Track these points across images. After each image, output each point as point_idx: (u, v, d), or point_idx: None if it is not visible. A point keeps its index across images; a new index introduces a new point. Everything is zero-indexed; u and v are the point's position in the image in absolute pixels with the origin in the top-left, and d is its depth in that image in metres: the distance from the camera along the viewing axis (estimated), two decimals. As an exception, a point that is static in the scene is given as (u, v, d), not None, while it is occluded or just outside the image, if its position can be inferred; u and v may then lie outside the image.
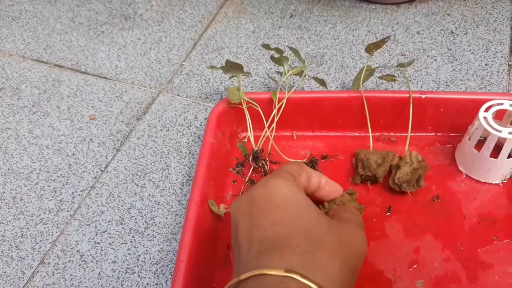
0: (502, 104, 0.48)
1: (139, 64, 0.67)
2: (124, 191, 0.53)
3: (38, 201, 0.53)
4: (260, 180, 0.38)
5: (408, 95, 0.51)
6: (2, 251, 0.49)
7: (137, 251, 0.48)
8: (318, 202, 0.43)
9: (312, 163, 0.52)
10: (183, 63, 0.67)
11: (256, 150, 0.52)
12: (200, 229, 0.44)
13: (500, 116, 0.50)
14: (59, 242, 0.49)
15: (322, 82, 0.55)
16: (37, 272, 0.47)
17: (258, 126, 0.54)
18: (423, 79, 0.61)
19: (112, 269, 0.47)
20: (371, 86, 0.60)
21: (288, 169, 0.39)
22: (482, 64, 0.62)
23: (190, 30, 0.71)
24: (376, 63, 0.63)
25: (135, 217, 0.50)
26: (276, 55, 0.54)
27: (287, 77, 0.54)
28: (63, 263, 0.48)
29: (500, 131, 0.45)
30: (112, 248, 0.48)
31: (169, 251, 0.48)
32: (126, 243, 0.49)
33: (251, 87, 0.62)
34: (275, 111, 0.52)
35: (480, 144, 0.48)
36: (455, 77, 0.61)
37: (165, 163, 0.55)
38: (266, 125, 0.53)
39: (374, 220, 0.48)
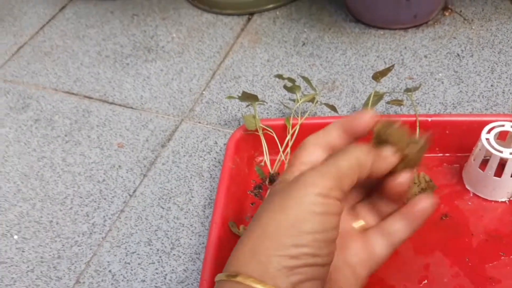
0: (503, 125, 0.50)
1: (162, 94, 0.72)
2: (151, 214, 0.57)
3: (73, 225, 0.58)
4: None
5: (414, 118, 0.54)
6: (41, 272, 0.53)
7: (164, 271, 0.52)
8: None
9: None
10: (203, 92, 0.71)
11: (272, 173, 0.56)
12: (221, 249, 0.48)
13: (505, 136, 0.53)
14: (92, 262, 0.54)
15: (333, 108, 0.59)
16: (73, 291, 0.52)
17: (274, 150, 0.58)
18: (431, 101, 0.64)
19: (142, 288, 0.51)
20: (380, 109, 0.63)
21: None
22: (488, 85, 0.64)
23: (209, 61, 0.76)
24: (386, 87, 0.66)
25: (161, 238, 0.54)
26: (289, 84, 0.58)
27: (299, 104, 0.57)
28: (97, 282, 0.52)
29: (501, 152, 0.48)
30: (141, 268, 0.52)
31: (194, 270, 0.51)
32: (154, 263, 0.53)
33: (267, 113, 0.66)
34: (289, 136, 0.56)
35: (485, 163, 0.51)
36: (462, 98, 0.63)
37: (188, 187, 0.59)
38: (281, 150, 0.56)
39: (385, 238, 0.51)
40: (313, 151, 0.35)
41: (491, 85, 0.64)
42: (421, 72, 0.68)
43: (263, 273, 0.29)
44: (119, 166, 0.63)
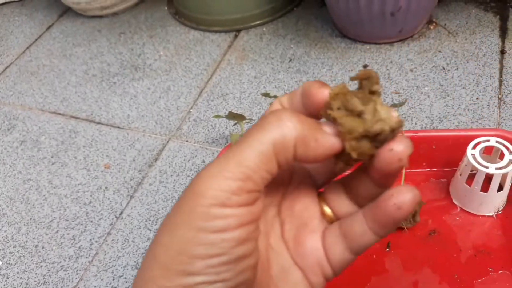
0: (488, 141, 0.50)
1: (149, 112, 0.72)
2: (138, 236, 0.57)
3: (59, 249, 0.57)
4: None
5: (401, 134, 0.54)
6: (26, 298, 0.53)
7: (152, 294, 0.51)
8: None
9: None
10: (191, 110, 0.71)
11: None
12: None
13: (491, 150, 0.53)
14: (79, 287, 0.53)
15: None
16: (60, 317, 0.51)
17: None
18: (417, 115, 0.64)
19: (129, 312, 0.50)
20: (367, 125, 0.63)
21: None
22: (473, 98, 0.65)
23: (197, 78, 0.76)
24: (372, 102, 0.66)
25: (149, 261, 0.54)
26: None
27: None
28: (83, 308, 0.51)
29: (487, 167, 0.48)
30: (128, 292, 0.52)
31: (181, 293, 0.51)
32: (141, 286, 0.52)
33: (254, 130, 0.66)
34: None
35: (472, 177, 0.51)
36: (448, 112, 0.64)
37: (176, 207, 0.59)
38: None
39: (374, 256, 0.51)
40: (274, 107, 0.26)
41: (476, 98, 0.65)
42: (407, 86, 0.68)
43: None
44: (106, 188, 0.63)
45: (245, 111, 0.69)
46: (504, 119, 0.62)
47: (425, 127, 0.62)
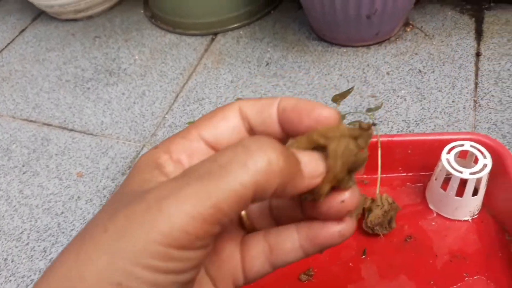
0: (463, 145, 0.50)
1: (123, 118, 0.70)
2: (111, 246, 0.55)
3: (29, 262, 0.55)
4: None
5: (376, 139, 0.54)
6: (-6, 314, 0.51)
7: (124, 307, 0.50)
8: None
9: (290, 210, 0.54)
10: (166, 116, 0.70)
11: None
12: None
13: (466, 154, 0.53)
14: (49, 301, 0.51)
15: None
16: (29, 333, 0.49)
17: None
18: (394, 119, 0.63)
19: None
20: (344, 129, 0.63)
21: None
22: (449, 101, 0.65)
23: (172, 83, 0.75)
24: (349, 106, 0.66)
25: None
26: None
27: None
28: (54, 323, 0.49)
29: (461, 172, 0.48)
30: (100, 305, 0.50)
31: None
32: (114, 299, 0.50)
33: (231, 136, 0.65)
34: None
35: (447, 182, 0.50)
36: (424, 115, 0.63)
37: (150, 216, 0.57)
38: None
39: (350, 264, 0.50)
40: (229, 118, 0.23)
41: (452, 101, 0.65)
42: (384, 90, 0.68)
43: None
44: (78, 197, 0.61)
45: (221, 117, 0.68)
46: (480, 122, 0.62)
47: (401, 130, 0.62)
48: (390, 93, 0.67)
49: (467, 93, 0.65)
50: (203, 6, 0.80)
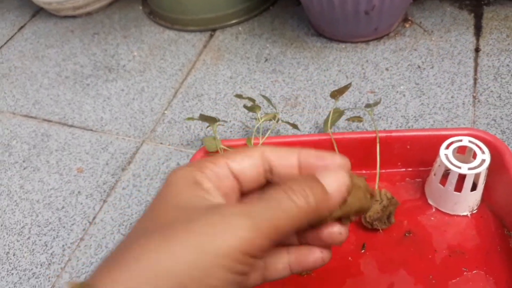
0: (461, 140, 0.50)
1: (123, 115, 0.70)
2: (111, 241, 0.55)
3: (30, 256, 0.55)
4: None
5: (374, 135, 0.54)
6: (-5, 309, 0.51)
7: (125, 302, 0.50)
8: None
9: (289, 205, 0.54)
10: (165, 112, 0.70)
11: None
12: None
13: (464, 149, 0.53)
14: (50, 296, 0.52)
15: (294, 126, 0.58)
16: (30, 327, 0.49)
17: (236, 171, 0.57)
18: (393, 115, 0.64)
19: (101, 321, 0.49)
20: (343, 125, 0.63)
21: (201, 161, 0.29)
22: (448, 97, 0.65)
23: (171, 79, 0.75)
24: (348, 102, 0.66)
25: (122, 267, 0.53)
26: (249, 104, 0.58)
27: (260, 124, 0.57)
28: (54, 318, 0.50)
29: (460, 167, 0.48)
30: (100, 300, 0.50)
31: (155, 299, 0.50)
32: (114, 294, 0.51)
33: (230, 131, 0.65)
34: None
35: (446, 177, 0.51)
36: (423, 111, 0.64)
37: (150, 212, 0.58)
38: (243, 171, 0.55)
39: (350, 258, 0.50)
40: (253, 156, 0.28)
41: (452, 97, 0.65)
42: (383, 85, 0.68)
43: None
44: (79, 192, 0.61)
45: (220, 112, 0.68)
46: (479, 118, 0.62)
47: (400, 126, 0.62)
48: (389, 89, 0.67)
49: (466, 88, 0.66)
50: (202, 2, 0.80)
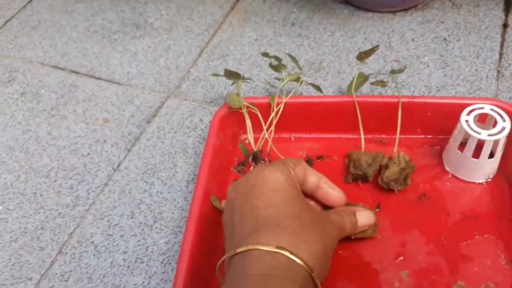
0: (483, 108, 0.51)
1: (149, 70, 0.72)
2: (134, 188, 0.58)
3: (57, 197, 0.58)
4: (257, 166, 0.42)
5: (397, 99, 0.55)
6: (24, 242, 0.54)
7: (146, 243, 0.52)
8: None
9: (308, 163, 0.56)
10: (190, 70, 0.71)
11: (256, 151, 0.57)
12: (203, 222, 0.48)
13: (485, 119, 0.54)
14: (75, 234, 0.54)
15: (318, 88, 0.59)
16: (56, 260, 0.52)
17: (258, 128, 0.58)
18: (415, 84, 0.64)
19: (123, 259, 0.51)
20: (366, 91, 0.64)
21: (285, 161, 0.43)
22: (472, 70, 0.65)
23: (197, 38, 0.76)
24: (371, 69, 0.67)
25: (144, 212, 0.55)
26: (275, 63, 0.59)
27: (285, 83, 0.58)
28: (79, 253, 0.52)
29: (479, 133, 0.49)
30: (123, 240, 0.53)
31: (175, 242, 0.52)
32: (136, 235, 0.53)
33: (253, 92, 0.66)
34: (273, 114, 0.57)
35: (464, 145, 0.52)
36: (446, 82, 0.64)
37: (172, 162, 0.60)
38: (265, 128, 0.57)
39: (364, 216, 0.52)
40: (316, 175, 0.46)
41: (476, 70, 0.65)
42: (408, 55, 0.68)
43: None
44: (104, 141, 0.63)
45: (244, 73, 0.69)
46: (501, 91, 0.62)
47: (422, 95, 0.63)
48: (413, 59, 0.68)
49: (491, 63, 0.66)
50: (231, -35, 0.80)
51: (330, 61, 0.69)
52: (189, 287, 0.43)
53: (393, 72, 0.59)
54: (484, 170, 0.52)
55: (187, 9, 0.82)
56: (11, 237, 0.55)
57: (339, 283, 0.47)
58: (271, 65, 0.59)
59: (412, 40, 0.70)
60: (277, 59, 0.58)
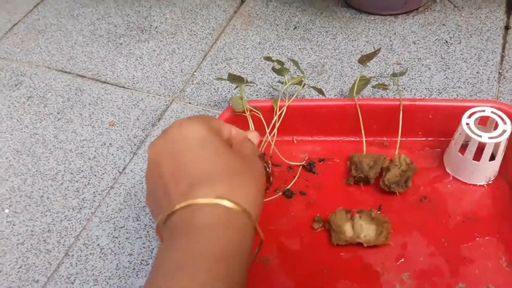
0: (484, 111, 0.52)
1: (154, 74, 0.73)
2: (140, 191, 0.59)
3: (63, 200, 0.59)
4: (172, 124, 0.40)
5: (398, 102, 0.55)
6: (31, 244, 0.55)
7: (151, 245, 0.53)
8: None
9: (310, 166, 0.56)
10: (195, 73, 0.72)
11: (259, 154, 0.57)
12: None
13: (486, 121, 0.54)
14: (81, 236, 0.55)
15: (320, 91, 0.60)
16: (62, 263, 0.53)
17: (262, 131, 0.59)
18: (417, 86, 0.65)
19: (129, 261, 0.52)
20: (368, 94, 0.64)
21: (199, 116, 0.42)
22: (473, 72, 0.66)
23: (201, 42, 0.77)
24: (373, 72, 0.67)
25: (149, 214, 0.56)
26: (278, 67, 0.59)
27: (287, 87, 0.59)
28: (85, 256, 0.53)
29: (480, 136, 0.49)
30: (129, 242, 0.54)
31: (179, 245, 0.53)
32: (141, 237, 0.54)
33: (257, 95, 0.67)
34: (275, 117, 0.57)
35: (466, 147, 0.52)
36: (447, 84, 0.64)
37: (177, 165, 0.60)
38: (268, 131, 0.58)
39: (366, 218, 0.52)
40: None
41: (477, 72, 0.65)
42: (409, 58, 0.69)
43: None
44: (110, 144, 0.64)
45: (248, 76, 0.70)
46: (503, 94, 0.63)
47: (423, 98, 0.63)
48: (415, 61, 0.68)
49: (492, 65, 0.66)
50: (235, -32, 0.81)
51: (332, 64, 0.69)
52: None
53: (394, 75, 0.59)
54: (485, 172, 0.53)
55: (191, 13, 0.83)
56: (18, 240, 0.56)
57: (341, 285, 0.47)
58: (274, 69, 0.60)
59: (414, 42, 0.71)
60: (280, 63, 0.59)
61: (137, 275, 0.51)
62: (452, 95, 0.63)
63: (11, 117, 0.70)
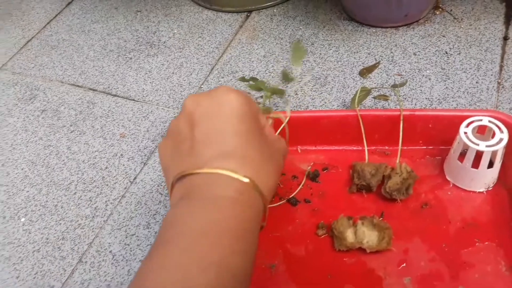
0: (481, 120, 0.53)
1: (163, 87, 0.76)
2: (150, 199, 0.61)
3: (76, 209, 0.61)
4: (219, 87, 0.40)
5: (399, 113, 0.57)
6: (46, 252, 0.57)
7: (161, 252, 0.55)
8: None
9: (314, 174, 0.58)
10: (202, 86, 0.75)
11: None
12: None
13: (484, 130, 0.56)
14: (94, 244, 0.57)
15: (280, 92, 0.58)
16: (76, 269, 0.55)
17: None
18: (417, 96, 0.67)
19: (140, 267, 0.54)
20: (369, 104, 0.66)
21: (244, 93, 0.42)
22: (473, 82, 0.67)
23: (208, 56, 0.79)
24: (375, 83, 0.69)
25: (159, 222, 0.58)
26: (252, 84, 0.58)
27: (268, 99, 0.57)
28: (98, 262, 0.56)
29: (478, 144, 0.51)
30: (139, 249, 0.56)
31: (188, 251, 0.55)
32: (152, 244, 0.56)
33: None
34: (280, 128, 0.59)
35: (465, 155, 0.54)
36: (447, 94, 0.66)
37: (185, 175, 0.63)
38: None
39: (368, 225, 0.54)
40: None
41: (476, 82, 0.67)
42: (410, 69, 0.71)
43: None
44: (121, 155, 0.67)
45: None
46: (502, 103, 0.64)
47: (424, 107, 0.65)
48: (415, 72, 0.70)
49: (491, 75, 0.68)
50: (240, -16, 0.83)
51: (335, 76, 0.72)
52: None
53: (395, 86, 0.61)
54: (484, 179, 0.54)
55: (198, 28, 0.85)
56: (34, 247, 0.58)
57: (344, 289, 0.49)
58: (250, 86, 0.59)
59: (414, 54, 0.73)
60: (254, 79, 0.58)
61: (148, 281, 0.53)
62: (452, 105, 0.65)
63: (26, 129, 0.73)
